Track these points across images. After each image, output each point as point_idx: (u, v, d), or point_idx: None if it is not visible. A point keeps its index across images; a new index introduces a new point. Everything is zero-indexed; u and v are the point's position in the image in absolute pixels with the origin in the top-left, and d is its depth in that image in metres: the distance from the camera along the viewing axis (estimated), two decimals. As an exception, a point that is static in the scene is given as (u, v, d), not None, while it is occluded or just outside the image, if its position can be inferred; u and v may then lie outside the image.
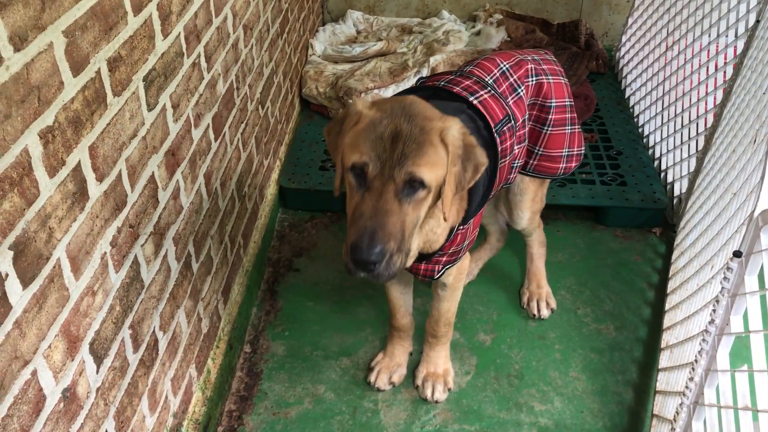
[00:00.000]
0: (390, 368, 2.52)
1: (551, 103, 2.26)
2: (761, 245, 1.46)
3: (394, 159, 1.63)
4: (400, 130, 1.64)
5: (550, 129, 2.30)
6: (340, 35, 4.43)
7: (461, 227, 2.02)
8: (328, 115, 3.85)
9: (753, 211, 1.54)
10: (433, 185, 1.68)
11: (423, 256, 2.04)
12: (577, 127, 2.37)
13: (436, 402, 2.46)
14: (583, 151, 2.44)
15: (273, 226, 3.23)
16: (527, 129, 2.29)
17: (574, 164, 2.42)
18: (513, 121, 2.14)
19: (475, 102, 2.04)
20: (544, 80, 2.25)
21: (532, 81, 2.24)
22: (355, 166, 1.67)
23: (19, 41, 1.16)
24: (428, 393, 2.46)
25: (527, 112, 2.27)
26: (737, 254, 1.54)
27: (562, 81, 2.31)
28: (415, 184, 1.65)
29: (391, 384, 2.52)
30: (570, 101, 2.33)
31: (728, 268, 1.58)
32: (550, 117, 2.28)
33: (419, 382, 2.49)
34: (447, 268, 2.15)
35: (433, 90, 2.07)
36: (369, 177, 1.65)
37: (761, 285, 1.49)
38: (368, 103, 1.74)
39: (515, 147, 2.21)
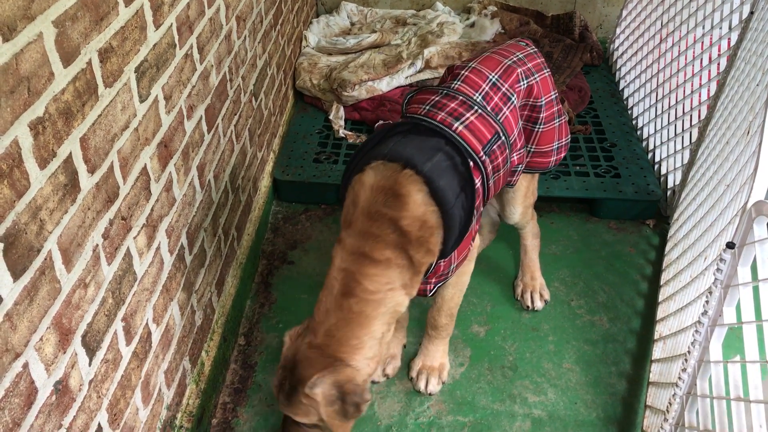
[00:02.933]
0: (384, 360, 2.52)
1: (542, 102, 2.26)
2: (754, 236, 1.47)
3: (282, 405, 1.94)
4: (284, 384, 1.91)
5: (542, 127, 2.30)
6: (334, 27, 4.41)
7: (440, 261, 2.00)
8: (322, 107, 3.84)
9: (746, 203, 1.54)
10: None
11: None
12: (563, 117, 2.38)
13: (430, 394, 2.46)
14: (569, 139, 2.45)
15: (267, 219, 3.22)
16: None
17: (563, 154, 2.44)
18: (505, 137, 2.13)
19: (460, 128, 2.03)
20: (533, 81, 2.25)
21: (523, 85, 2.23)
22: None
23: (7, 31, 1.15)
24: (422, 385, 2.46)
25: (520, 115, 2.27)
26: (730, 245, 1.54)
27: (546, 75, 2.31)
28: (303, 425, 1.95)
29: (385, 376, 2.52)
30: (555, 93, 2.34)
31: (721, 260, 1.58)
32: (541, 115, 2.28)
33: (414, 374, 2.50)
34: (440, 285, 2.16)
35: (412, 124, 2.06)
36: None
37: (754, 276, 1.49)
38: (289, 339, 1.98)
39: (513, 156, 2.22)
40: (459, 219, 1.94)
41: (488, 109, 2.12)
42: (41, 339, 1.30)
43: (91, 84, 1.45)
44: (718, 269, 1.59)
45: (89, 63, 1.44)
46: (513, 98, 2.20)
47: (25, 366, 1.25)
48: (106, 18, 1.50)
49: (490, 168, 2.09)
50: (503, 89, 2.18)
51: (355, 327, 1.87)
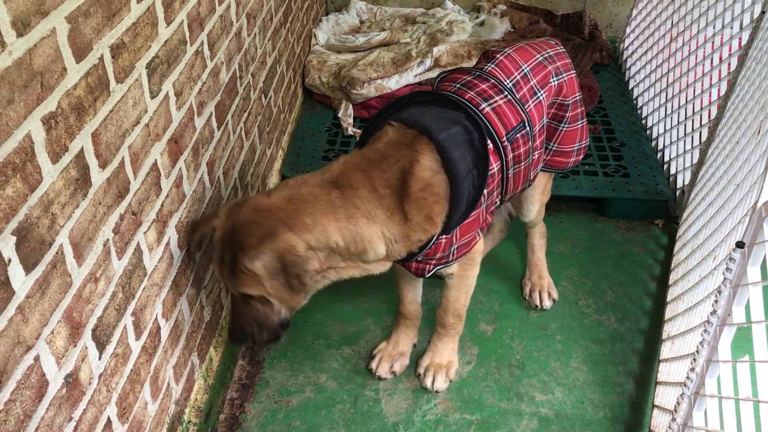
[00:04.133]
0: (392, 356, 2.53)
1: (569, 101, 2.28)
2: (764, 236, 1.46)
3: (225, 279, 1.89)
4: (223, 257, 1.85)
5: (566, 126, 2.31)
6: (343, 25, 4.41)
7: (442, 236, 1.99)
8: (330, 104, 3.84)
9: (756, 202, 1.53)
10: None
11: (412, 254, 2.02)
12: (585, 119, 2.39)
13: (437, 391, 2.46)
14: (588, 142, 2.46)
15: (275, 216, 3.22)
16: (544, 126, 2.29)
17: (581, 156, 2.45)
18: (529, 128, 2.14)
19: (487, 109, 2.04)
20: (563, 80, 2.26)
21: (554, 83, 2.24)
22: None
23: (21, 26, 1.16)
24: (428, 382, 2.46)
25: (545, 112, 2.27)
26: (740, 245, 1.54)
27: (573, 75, 2.33)
28: (249, 296, 1.89)
29: (392, 373, 2.52)
30: (580, 94, 2.35)
31: (731, 259, 1.58)
32: (567, 114, 2.29)
33: (421, 370, 2.50)
34: (440, 269, 2.14)
35: (435, 95, 2.08)
36: None
37: (764, 276, 1.49)
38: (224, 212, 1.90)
39: (534, 153, 2.22)
40: (468, 194, 1.93)
41: (517, 97, 2.13)
42: (52, 332, 1.31)
43: (102, 79, 1.46)
44: (727, 269, 1.59)
45: (101, 59, 1.45)
46: (539, 94, 2.21)
47: (37, 359, 1.27)
48: (118, 14, 1.51)
49: (510, 156, 2.09)
50: (531, 83, 2.20)
51: (319, 210, 1.83)
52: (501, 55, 2.22)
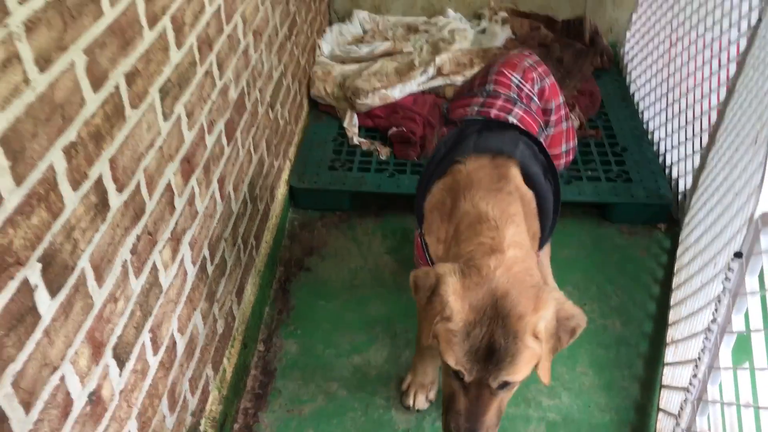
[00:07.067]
0: (426, 387, 2.48)
1: (551, 105, 2.33)
2: (761, 247, 1.51)
3: (489, 370, 1.64)
4: (494, 341, 1.62)
5: (552, 129, 2.36)
6: (346, 35, 4.47)
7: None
8: (336, 114, 3.90)
9: (753, 213, 1.58)
10: (527, 375, 1.72)
11: None
12: (569, 121, 2.46)
13: None
14: (576, 143, 2.51)
15: (284, 226, 3.28)
16: None
17: (571, 158, 2.51)
18: (543, 132, 2.19)
19: (514, 122, 2.08)
20: (546, 85, 2.31)
21: (537, 88, 2.29)
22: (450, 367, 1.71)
23: (43, 62, 1.21)
24: None
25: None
26: (738, 255, 1.58)
27: (553, 80, 2.40)
28: (508, 384, 1.70)
29: (429, 402, 2.48)
30: (562, 98, 2.41)
31: (729, 269, 1.63)
32: (552, 118, 2.34)
33: None
34: None
35: (483, 123, 2.08)
36: (465, 380, 1.69)
37: (762, 285, 1.53)
38: (458, 285, 1.68)
39: None
40: (551, 204, 1.97)
41: (526, 105, 2.18)
42: (76, 353, 1.37)
43: (118, 107, 1.51)
44: (726, 278, 1.64)
45: (117, 87, 1.50)
46: (535, 99, 2.26)
47: (62, 379, 1.32)
48: (131, 42, 1.57)
49: None
50: (525, 89, 2.25)
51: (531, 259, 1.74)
52: (492, 75, 2.26)
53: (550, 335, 1.66)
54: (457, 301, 1.66)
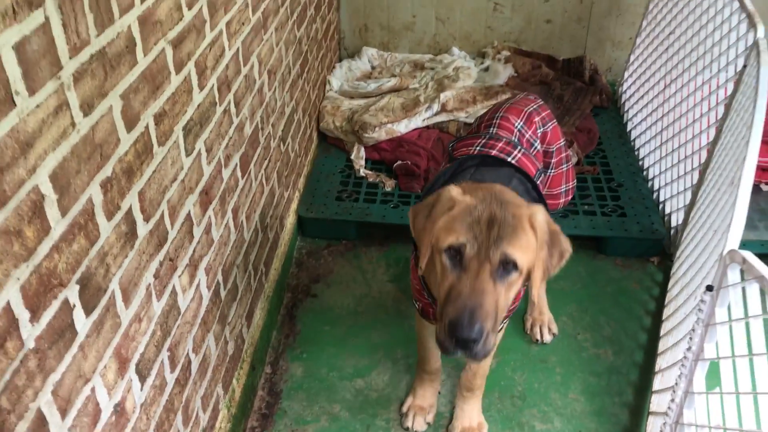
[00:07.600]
0: (424, 410, 2.62)
1: (553, 148, 2.48)
2: (727, 281, 1.64)
3: (490, 241, 1.70)
4: (494, 215, 1.72)
5: (553, 171, 2.51)
6: (355, 71, 4.65)
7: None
8: (344, 147, 4.06)
9: (722, 250, 1.72)
10: (524, 268, 1.75)
11: None
12: (570, 163, 2.60)
13: None
14: (575, 183, 2.65)
15: (292, 254, 3.43)
16: None
17: (570, 197, 2.64)
18: (543, 175, 2.33)
19: (513, 162, 2.21)
20: (548, 129, 2.46)
21: (540, 132, 2.45)
22: (452, 247, 1.74)
23: (87, 107, 1.38)
24: None
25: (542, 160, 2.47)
26: (709, 288, 1.72)
27: (556, 124, 2.54)
28: (508, 266, 1.72)
29: (428, 423, 2.61)
30: (563, 140, 2.55)
31: (702, 300, 1.76)
32: (552, 161, 2.49)
33: None
34: (504, 323, 2.23)
35: (481, 158, 2.19)
36: (466, 258, 1.73)
37: (730, 316, 1.67)
38: (460, 190, 1.83)
39: None
40: None
41: (526, 150, 2.33)
42: (105, 367, 1.52)
43: (147, 145, 1.68)
44: (699, 309, 1.77)
45: (147, 127, 1.67)
46: (536, 144, 2.41)
47: (93, 390, 1.47)
48: (161, 87, 1.73)
49: None
50: (527, 135, 2.40)
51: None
52: (497, 119, 2.41)
53: (544, 233, 1.74)
54: (458, 195, 1.78)
